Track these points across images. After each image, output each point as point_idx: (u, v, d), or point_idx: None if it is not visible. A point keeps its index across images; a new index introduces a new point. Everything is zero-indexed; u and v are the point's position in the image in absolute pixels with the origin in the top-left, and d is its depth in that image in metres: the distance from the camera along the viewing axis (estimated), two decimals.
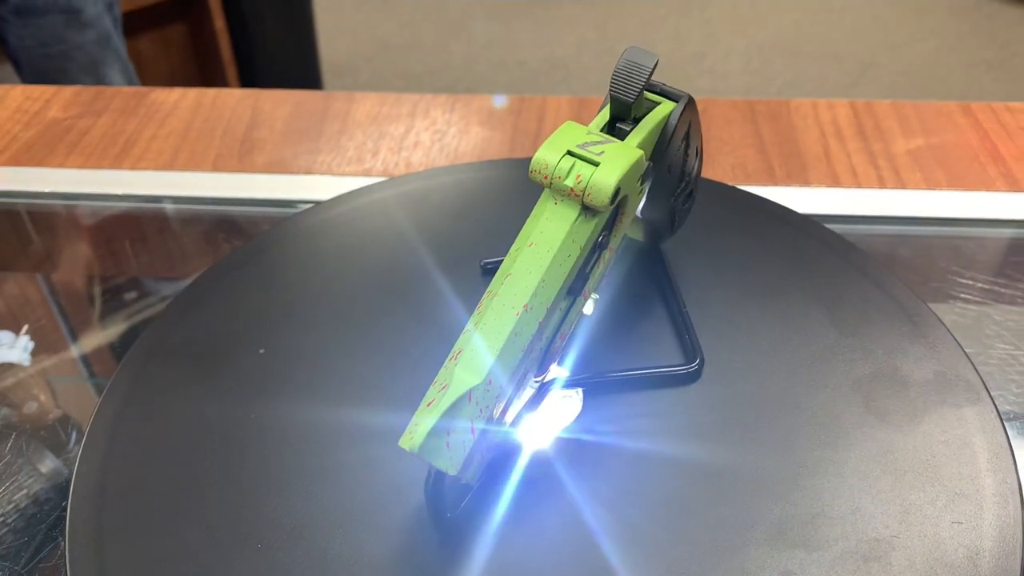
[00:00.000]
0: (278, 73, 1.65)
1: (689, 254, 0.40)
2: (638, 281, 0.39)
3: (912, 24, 2.04)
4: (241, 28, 1.58)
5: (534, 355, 0.29)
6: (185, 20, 1.54)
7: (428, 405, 0.26)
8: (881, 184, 0.51)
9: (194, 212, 0.52)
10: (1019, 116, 0.56)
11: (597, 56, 1.99)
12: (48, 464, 0.40)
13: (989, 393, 0.32)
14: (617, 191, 0.28)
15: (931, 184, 0.51)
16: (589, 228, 0.28)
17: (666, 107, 0.32)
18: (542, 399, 0.33)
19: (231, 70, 1.58)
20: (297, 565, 0.28)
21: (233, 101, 0.59)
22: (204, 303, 0.38)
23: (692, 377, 0.34)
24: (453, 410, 0.26)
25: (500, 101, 0.58)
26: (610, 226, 0.30)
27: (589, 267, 0.30)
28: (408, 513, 0.30)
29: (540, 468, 0.31)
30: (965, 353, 0.34)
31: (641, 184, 0.31)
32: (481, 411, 0.26)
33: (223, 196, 0.52)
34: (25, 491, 0.38)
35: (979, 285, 0.45)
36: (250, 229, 0.51)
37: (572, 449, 0.32)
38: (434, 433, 0.25)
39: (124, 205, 0.52)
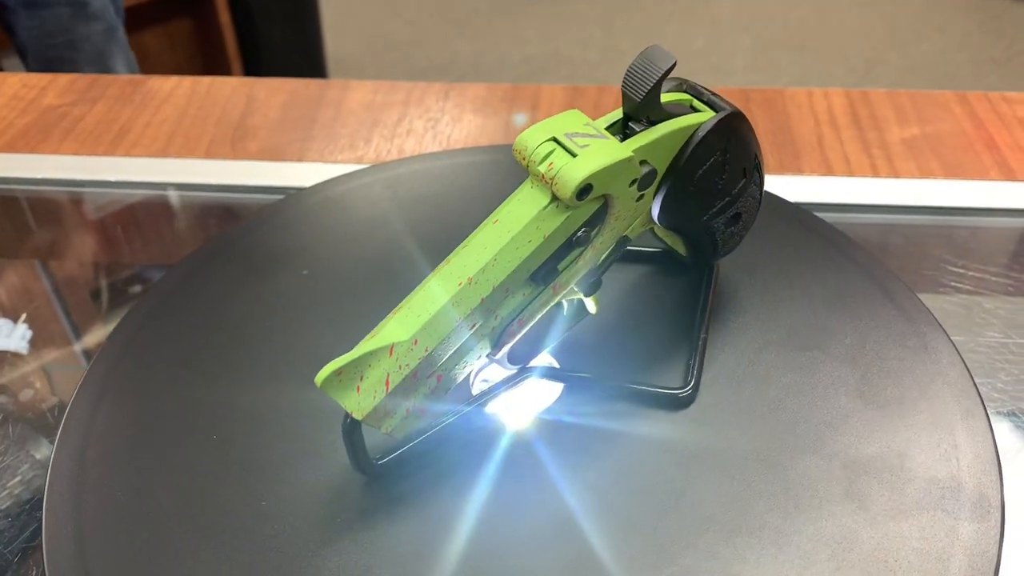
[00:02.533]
0: (283, 69, 1.66)
1: (744, 280, 0.37)
2: (673, 295, 0.37)
3: (918, 22, 2.03)
4: (246, 24, 1.58)
5: (480, 331, 0.29)
6: (191, 15, 1.55)
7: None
8: (875, 173, 0.51)
9: (187, 199, 0.52)
10: (1015, 106, 0.55)
11: (602, 52, 1.99)
12: (43, 451, 0.40)
13: (1003, 514, 0.28)
14: (587, 187, 0.27)
15: (925, 173, 0.51)
16: (558, 219, 0.28)
17: (697, 117, 0.30)
18: (517, 382, 0.33)
19: (236, 66, 1.58)
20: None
21: (228, 89, 0.60)
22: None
23: (680, 403, 0.32)
24: (370, 358, 0.26)
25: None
26: (593, 224, 0.29)
27: (563, 262, 0.29)
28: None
29: (489, 441, 0.31)
30: (999, 470, 0.30)
31: (638, 189, 0.29)
32: (400, 367, 0.27)
33: (216, 183, 0.52)
34: (19, 477, 0.38)
35: (970, 274, 0.45)
36: (242, 215, 0.51)
37: (526, 431, 0.32)
38: (344, 373, 0.26)
39: (118, 191, 0.53)
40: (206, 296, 0.38)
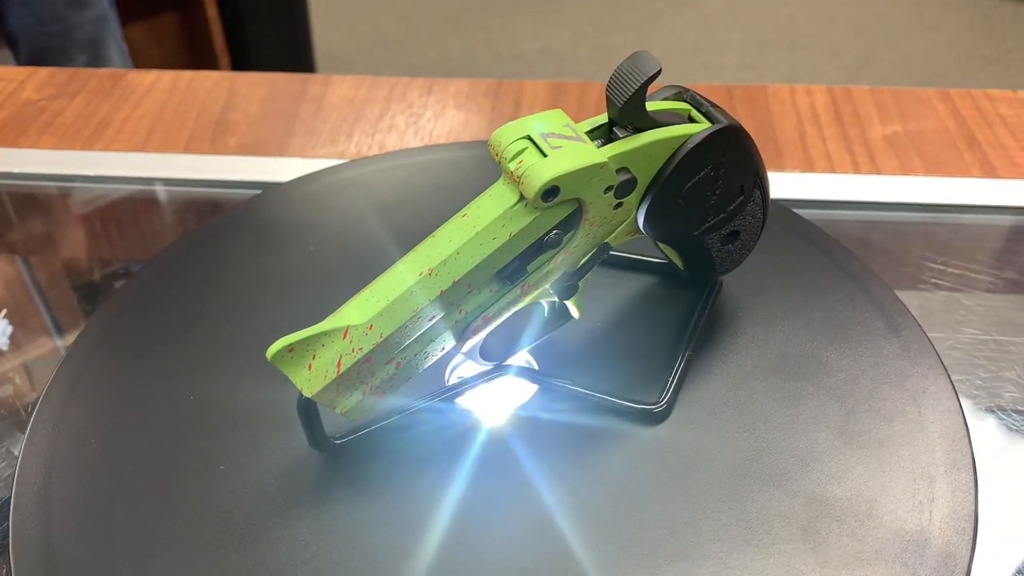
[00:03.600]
0: (271, 66, 1.65)
1: (747, 300, 0.36)
2: (671, 308, 0.36)
3: (909, 19, 2.04)
4: (234, 18, 1.57)
5: (441, 323, 0.28)
6: (178, 10, 1.54)
7: None
8: (856, 169, 0.51)
9: (166, 193, 0.52)
10: (998, 103, 0.55)
11: (594, 50, 1.99)
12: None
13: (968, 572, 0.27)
14: (553, 189, 0.27)
15: (906, 170, 0.51)
16: (526, 219, 0.27)
17: (687, 128, 0.30)
18: (490, 379, 0.32)
19: (223, 61, 1.57)
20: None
21: (209, 83, 0.59)
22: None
23: (651, 419, 0.31)
24: (323, 337, 0.27)
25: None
26: (567, 228, 0.29)
27: (533, 263, 0.29)
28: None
29: (453, 433, 0.31)
30: (975, 530, 0.28)
31: (615, 196, 0.29)
32: (354, 350, 0.27)
33: (195, 178, 0.52)
34: None
35: (951, 270, 0.45)
36: (222, 210, 0.51)
37: (491, 428, 0.32)
38: (296, 350, 0.27)
39: (97, 186, 0.52)
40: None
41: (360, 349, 0.27)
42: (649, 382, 0.32)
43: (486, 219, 0.27)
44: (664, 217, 0.31)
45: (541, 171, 0.26)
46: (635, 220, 0.31)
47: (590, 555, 0.27)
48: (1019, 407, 0.38)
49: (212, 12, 1.51)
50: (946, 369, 0.33)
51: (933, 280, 0.45)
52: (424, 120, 0.56)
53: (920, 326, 0.35)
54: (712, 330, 0.35)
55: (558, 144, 0.27)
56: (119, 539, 0.29)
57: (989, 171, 0.50)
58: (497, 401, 0.33)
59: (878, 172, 0.50)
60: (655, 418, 0.31)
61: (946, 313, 0.43)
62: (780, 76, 1.86)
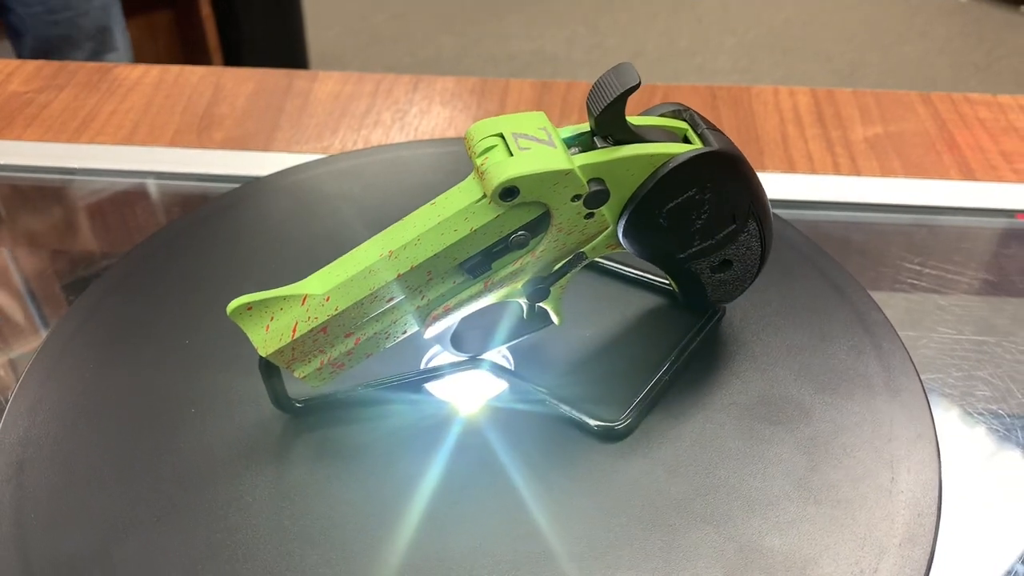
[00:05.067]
0: (265, 63, 1.64)
1: (750, 335, 0.35)
2: (669, 331, 0.35)
3: (901, 25, 2.05)
4: (228, 16, 1.57)
5: (401, 306, 0.29)
6: (172, 6, 1.54)
7: None
8: (836, 171, 0.51)
9: (151, 187, 0.52)
10: (977, 107, 0.56)
11: (587, 51, 1.99)
12: None
13: None
14: (512, 190, 0.27)
15: (886, 172, 0.51)
16: (489, 215, 0.28)
17: (672, 147, 0.29)
18: (460, 370, 0.33)
19: (216, 59, 1.57)
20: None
21: (195, 78, 0.59)
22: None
23: (609, 436, 0.31)
24: (282, 301, 0.28)
25: None
26: (534, 231, 0.29)
27: (498, 260, 0.29)
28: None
29: (416, 415, 0.32)
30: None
31: (585, 206, 0.28)
32: (310, 318, 0.28)
33: (180, 171, 0.52)
34: None
35: (927, 271, 0.45)
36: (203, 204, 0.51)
37: (451, 414, 0.32)
38: (255, 309, 0.28)
39: (81, 179, 0.52)
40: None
41: (315, 318, 0.28)
42: (619, 400, 0.32)
43: (450, 210, 0.28)
44: (644, 234, 0.31)
45: (501, 170, 0.27)
46: (615, 233, 0.31)
47: (502, 557, 0.27)
48: (990, 406, 0.38)
49: (206, 9, 1.51)
50: (937, 440, 0.31)
51: (910, 280, 0.45)
52: (410, 116, 0.56)
53: (925, 393, 0.33)
54: (700, 359, 0.34)
55: (527, 145, 0.27)
56: (82, 464, 0.30)
57: (967, 174, 0.51)
58: (465, 392, 0.33)
59: (858, 174, 0.51)
60: (613, 436, 0.31)
61: (922, 313, 0.43)
62: (773, 80, 1.86)
